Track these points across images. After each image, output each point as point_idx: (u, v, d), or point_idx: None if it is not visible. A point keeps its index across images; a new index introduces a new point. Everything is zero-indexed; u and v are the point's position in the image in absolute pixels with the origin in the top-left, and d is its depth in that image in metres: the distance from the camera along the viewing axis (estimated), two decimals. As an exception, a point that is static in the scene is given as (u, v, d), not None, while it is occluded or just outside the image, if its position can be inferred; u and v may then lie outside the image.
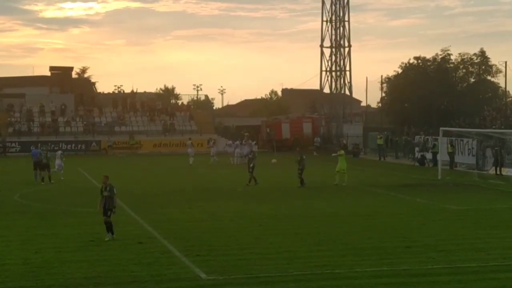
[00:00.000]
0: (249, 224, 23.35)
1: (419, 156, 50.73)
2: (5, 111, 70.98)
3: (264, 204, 28.60)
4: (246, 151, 51.00)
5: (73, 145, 66.49)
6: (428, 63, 71.74)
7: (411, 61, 72.48)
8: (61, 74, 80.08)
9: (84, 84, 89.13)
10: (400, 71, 73.10)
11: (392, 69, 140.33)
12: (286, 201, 29.70)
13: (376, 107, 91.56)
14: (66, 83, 78.50)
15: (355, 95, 77.99)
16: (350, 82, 72.74)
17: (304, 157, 35.69)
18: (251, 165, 35.74)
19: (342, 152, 38.32)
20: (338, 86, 72.71)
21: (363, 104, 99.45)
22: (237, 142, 54.64)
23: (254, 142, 55.93)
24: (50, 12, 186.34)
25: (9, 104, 71.83)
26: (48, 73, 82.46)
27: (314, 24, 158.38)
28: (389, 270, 16.39)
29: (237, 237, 20.76)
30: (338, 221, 23.86)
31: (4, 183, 36.51)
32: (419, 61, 72.00)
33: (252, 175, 35.50)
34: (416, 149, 51.83)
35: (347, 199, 30.25)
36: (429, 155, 50.04)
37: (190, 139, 57.50)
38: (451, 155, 46.57)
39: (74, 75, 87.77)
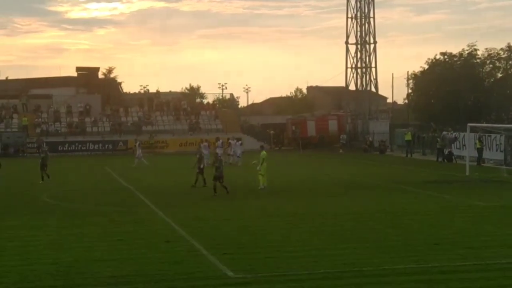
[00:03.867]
0: (275, 222, 23.33)
1: (446, 152, 50.36)
2: (32, 112, 71.60)
3: (290, 202, 28.57)
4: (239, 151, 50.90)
5: (100, 145, 66.93)
6: (455, 59, 71.27)
7: (437, 57, 72.08)
8: (87, 74, 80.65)
9: (110, 84, 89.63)
10: (426, 67, 72.73)
11: (418, 65, 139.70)
12: (312, 199, 29.64)
13: (402, 103, 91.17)
14: (93, 84, 79.06)
15: (381, 91, 77.70)
16: (375, 79, 72.47)
17: (222, 163, 32.11)
18: (201, 166, 33.93)
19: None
20: (364, 83, 72.44)
21: (389, 100, 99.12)
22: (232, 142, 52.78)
23: (240, 143, 53.17)
24: (75, 13, 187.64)
25: (37, 105, 72.45)
26: (75, 74, 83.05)
27: (339, 21, 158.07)
28: (417, 267, 16.30)
29: (263, 235, 20.75)
30: (365, 219, 23.77)
31: (32, 184, 36.79)
32: (446, 57, 71.54)
33: (202, 176, 33.75)
34: (438, 144, 51.28)
35: (374, 197, 30.12)
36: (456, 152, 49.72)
37: (239, 139, 56.10)
38: (480, 151, 46.20)
39: (100, 75, 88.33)
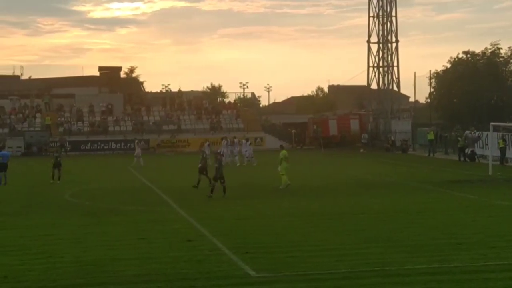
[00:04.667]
0: (297, 221, 23.29)
1: (468, 152, 50.02)
2: (55, 111, 72.08)
3: (311, 201, 28.51)
4: (236, 150, 50.74)
5: (122, 144, 67.18)
6: (477, 58, 70.81)
7: (459, 56, 71.65)
8: (109, 74, 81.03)
9: (132, 84, 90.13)
10: (448, 66, 72.31)
11: (440, 64, 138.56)
12: (333, 198, 29.56)
13: (425, 102, 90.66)
14: (115, 83, 79.43)
15: (403, 90, 77.23)
16: (398, 78, 72.09)
17: (222, 163, 31.33)
18: (199, 165, 33.14)
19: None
20: (386, 81, 72.09)
21: (411, 99, 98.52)
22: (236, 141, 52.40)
23: (249, 143, 51.62)
24: (97, 13, 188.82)
25: (59, 104, 72.93)
26: (97, 73, 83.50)
27: (361, 20, 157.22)
28: (440, 267, 16.18)
29: (285, 234, 20.71)
30: (388, 218, 23.66)
31: (55, 183, 36.97)
32: (468, 55, 71.09)
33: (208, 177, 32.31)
34: (459, 144, 50.92)
35: (396, 196, 29.98)
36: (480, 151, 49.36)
37: (235, 137, 55.20)
38: (503, 150, 45.84)
39: (122, 74, 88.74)
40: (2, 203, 29.00)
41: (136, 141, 52.37)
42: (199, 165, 33.62)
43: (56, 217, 24.68)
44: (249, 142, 52.11)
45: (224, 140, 53.06)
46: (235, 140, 52.50)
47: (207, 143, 48.59)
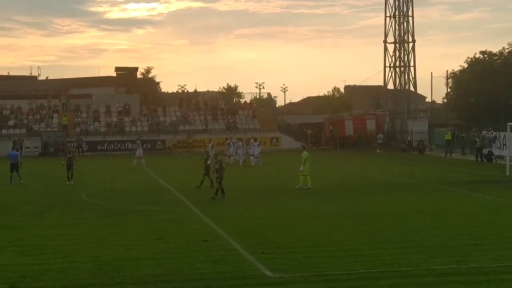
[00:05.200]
0: (313, 221, 23.27)
1: (486, 152, 49.76)
2: (72, 111, 72.44)
3: (328, 201, 28.48)
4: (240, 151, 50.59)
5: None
6: (495, 57, 70.45)
7: (476, 56, 71.30)
8: (126, 74, 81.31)
9: (148, 84, 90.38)
10: (465, 65, 71.97)
11: (457, 64, 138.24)
12: (351, 198, 29.50)
13: (441, 102, 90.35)
14: (131, 83, 79.72)
15: (419, 90, 77.03)
16: (414, 78, 71.89)
17: (223, 165, 30.73)
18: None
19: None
20: (402, 82, 71.91)
21: (428, 100, 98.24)
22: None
23: (258, 143, 50.20)
24: (114, 14, 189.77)
25: (76, 104, 73.29)
26: (114, 74, 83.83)
27: (377, 19, 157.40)
28: (457, 268, 16.11)
29: (302, 234, 20.70)
30: (404, 219, 23.59)
31: (72, 183, 37.13)
32: (485, 55, 70.75)
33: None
34: (476, 144, 50.64)
35: (413, 196, 29.88)
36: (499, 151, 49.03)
37: (256, 139, 53.64)
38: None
39: (138, 75, 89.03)
40: (19, 203, 29.21)
41: (138, 142, 52.04)
42: (207, 166, 33.75)
43: (73, 217, 24.81)
44: (258, 142, 50.64)
45: (228, 140, 52.79)
46: (251, 140, 51.88)
47: (211, 143, 48.56)
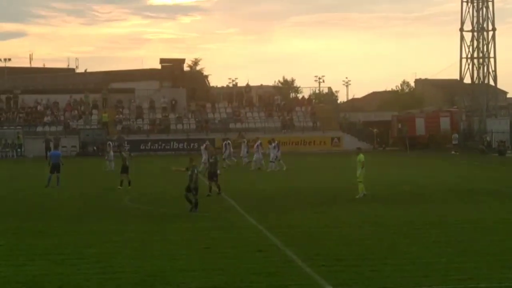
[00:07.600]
0: (379, 231, 23.13)
1: None
2: (113, 107, 73.29)
3: (394, 209, 28.27)
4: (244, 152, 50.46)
5: (185, 143, 67.89)
6: None
7: None
8: (172, 66, 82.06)
9: (196, 78, 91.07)
10: (553, 56, 70.65)
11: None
12: (420, 205, 29.24)
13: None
14: (178, 77, 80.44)
15: (500, 85, 76.16)
16: (494, 71, 71.01)
17: (218, 159, 31.68)
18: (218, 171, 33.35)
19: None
20: (481, 75, 71.07)
21: (510, 95, 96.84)
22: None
23: (274, 145, 48.78)
24: (158, 0, 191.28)
25: (118, 100, 74.23)
26: (158, 66, 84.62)
27: (452, 5, 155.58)
28: (544, 286, 15.87)
29: (367, 245, 20.59)
30: (484, 229, 23.29)
31: (113, 186, 37.57)
32: None
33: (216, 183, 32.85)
34: None
35: (493, 204, 29.50)
36: None
37: (258, 138, 54.25)
38: None
39: (185, 67, 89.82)
40: (56, 208, 29.70)
41: (227, 142, 52.09)
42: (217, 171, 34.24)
43: (115, 223, 25.11)
44: (273, 144, 48.48)
45: (225, 142, 52.78)
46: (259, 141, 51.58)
47: (207, 142, 49.02)
